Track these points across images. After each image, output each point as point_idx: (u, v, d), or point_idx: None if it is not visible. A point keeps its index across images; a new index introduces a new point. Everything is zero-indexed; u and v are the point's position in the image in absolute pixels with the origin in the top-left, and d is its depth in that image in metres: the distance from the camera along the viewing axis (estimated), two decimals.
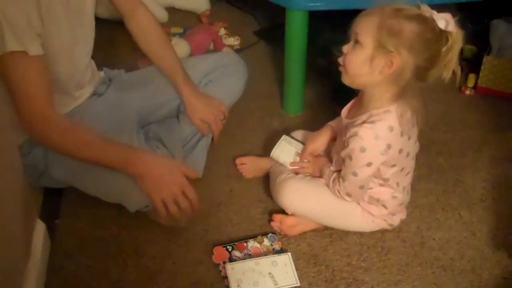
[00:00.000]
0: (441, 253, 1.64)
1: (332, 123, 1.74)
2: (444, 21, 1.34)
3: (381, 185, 1.57)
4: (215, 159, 1.94)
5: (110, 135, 1.59)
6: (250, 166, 1.90)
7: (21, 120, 1.49)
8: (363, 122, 1.47)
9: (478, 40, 2.42)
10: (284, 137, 1.79)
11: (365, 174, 1.51)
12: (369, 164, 1.48)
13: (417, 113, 1.49)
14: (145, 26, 1.84)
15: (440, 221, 1.74)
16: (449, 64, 1.38)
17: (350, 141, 1.47)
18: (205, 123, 1.85)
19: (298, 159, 1.73)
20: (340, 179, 1.56)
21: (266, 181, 1.85)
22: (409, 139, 1.52)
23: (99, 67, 1.88)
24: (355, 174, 1.51)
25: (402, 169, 1.56)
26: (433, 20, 1.35)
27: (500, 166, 1.94)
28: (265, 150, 1.85)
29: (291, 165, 1.73)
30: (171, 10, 2.81)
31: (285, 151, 1.76)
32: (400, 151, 1.50)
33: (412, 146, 1.55)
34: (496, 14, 2.44)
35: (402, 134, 1.48)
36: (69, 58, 1.62)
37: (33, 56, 1.43)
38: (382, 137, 1.45)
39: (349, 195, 1.57)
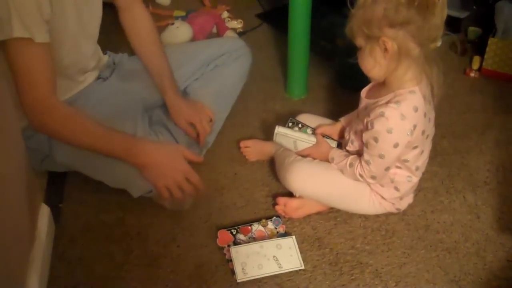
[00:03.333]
0: (446, 236, 1.64)
1: (342, 119, 1.75)
2: None
3: (397, 167, 1.57)
4: (219, 142, 1.93)
5: (114, 120, 1.58)
6: (254, 149, 1.89)
7: (22, 106, 1.48)
8: (388, 102, 1.46)
9: (483, 22, 2.41)
10: (276, 130, 1.76)
11: (391, 156, 1.50)
12: (395, 145, 1.47)
13: (433, 82, 1.48)
14: (139, 22, 1.82)
15: (445, 204, 1.74)
16: (438, 15, 1.37)
17: (375, 122, 1.47)
18: (191, 126, 1.80)
19: (298, 145, 1.73)
20: (363, 162, 1.54)
21: (270, 165, 1.85)
22: (429, 121, 1.52)
23: (103, 50, 1.87)
24: (381, 156, 1.50)
25: (422, 151, 1.56)
26: None
27: (505, 148, 1.93)
28: (269, 134, 1.84)
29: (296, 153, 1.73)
30: None
31: (284, 141, 1.75)
32: (423, 132, 1.50)
33: (431, 128, 1.56)
34: None
35: (425, 115, 1.48)
36: (75, 44, 1.61)
37: (39, 43, 1.41)
38: (408, 117, 1.45)
39: (373, 177, 1.56)
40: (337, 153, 1.64)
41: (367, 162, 1.54)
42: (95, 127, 1.53)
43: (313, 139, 1.71)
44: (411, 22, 1.36)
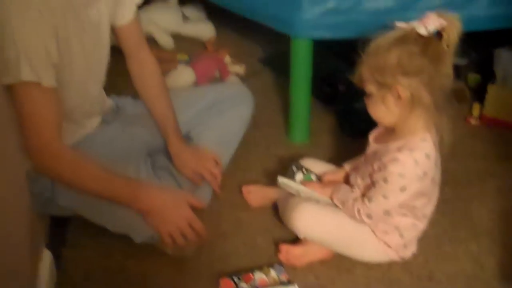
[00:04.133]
0: (450, 287, 1.63)
1: (346, 166, 1.75)
2: (422, 26, 1.37)
3: (404, 215, 1.56)
4: (221, 188, 1.93)
5: (117, 164, 1.59)
6: (256, 195, 1.89)
7: (27, 150, 1.48)
8: (401, 148, 1.47)
9: (482, 69, 2.44)
10: (279, 180, 1.73)
11: (395, 199, 1.50)
12: (402, 189, 1.47)
13: (443, 130, 1.50)
14: (145, 68, 1.84)
15: (448, 253, 1.73)
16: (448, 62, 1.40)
17: (388, 165, 1.47)
18: (198, 175, 1.81)
19: (302, 195, 1.71)
20: (365, 199, 1.54)
21: (273, 210, 1.84)
22: (437, 168, 1.53)
23: (107, 93, 1.88)
24: (385, 196, 1.50)
25: (430, 198, 1.56)
26: (413, 31, 1.38)
27: (507, 196, 1.94)
28: (272, 179, 1.84)
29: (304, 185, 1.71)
30: (177, 37, 2.83)
31: (288, 190, 1.74)
32: (433, 180, 1.51)
33: (439, 175, 1.57)
34: (500, 43, 2.46)
35: (436, 163, 1.49)
36: (82, 89, 1.62)
37: (46, 87, 1.43)
38: (420, 164, 1.46)
39: (369, 216, 1.55)
40: (342, 187, 1.64)
41: (370, 199, 1.53)
42: (99, 172, 1.53)
43: (316, 193, 1.69)
44: (424, 71, 1.38)
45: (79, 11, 1.52)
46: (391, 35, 1.43)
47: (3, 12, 1.37)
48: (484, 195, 1.95)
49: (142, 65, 1.84)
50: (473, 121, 2.30)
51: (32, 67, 1.39)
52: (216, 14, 2.80)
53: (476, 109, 2.32)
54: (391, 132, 1.55)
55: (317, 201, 1.66)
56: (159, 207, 1.56)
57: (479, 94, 2.36)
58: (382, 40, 1.44)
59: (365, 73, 1.46)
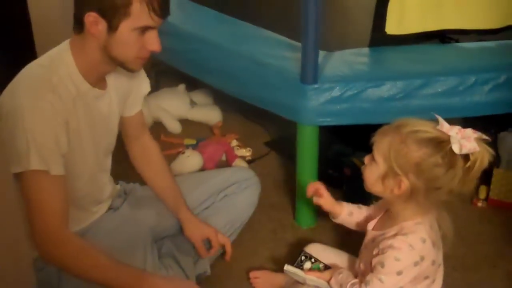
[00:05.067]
0: None
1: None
2: (458, 145, 1.33)
3: None
4: (228, 273, 1.92)
5: (123, 252, 1.58)
6: (264, 280, 1.87)
7: (34, 237, 1.48)
8: (396, 234, 1.46)
9: None
10: (286, 268, 1.70)
11: (391, 283, 1.47)
12: (399, 273, 1.45)
13: (442, 226, 1.48)
14: (148, 150, 1.89)
15: None
16: (469, 182, 1.37)
17: (385, 250, 1.46)
18: (205, 244, 1.83)
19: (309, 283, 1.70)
20: (363, 283, 1.51)
21: None
22: (439, 249, 1.51)
23: (115, 180, 1.91)
24: (381, 280, 1.47)
25: (434, 280, 1.54)
26: (448, 143, 1.35)
27: None
28: (279, 264, 1.83)
29: (306, 274, 1.69)
30: (184, 121, 2.88)
31: (295, 278, 1.73)
32: (433, 262, 1.49)
33: (441, 256, 1.54)
34: (503, 126, 2.49)
35: (434, 245, 1.47)
36: (92, 177, 1.65)
37: (54, 175, 1.44)
38: (416, 248, 1.44)
39: None
40: (344, 271, 1.62)
41: (366, 283, 1.51)
42: (105, 262, 1.52)
43: (323, 282, 1.68)
44: (437, 181, 1.38)
45: (90, 103, 1.56)
46: (427, 132, 1.39)
47: (16, 102, 1.41)
48: (494, 280, 1.92)
49: (144, 147, 1.89)
50: (480, 204, 2.30)
51: (41, 156, 1.41)
52: (223, 99, 2.85)
53: (482, 191, 2.32)
54: (387, 219, 1.54)
55: None
56: None
57: (485, 177, 2.36)
58: (416, 127, 1.40)
59: (382, 143, 1.43)
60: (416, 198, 1.42)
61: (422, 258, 1.45)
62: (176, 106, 2.89)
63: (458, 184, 1.37)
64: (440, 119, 1.40)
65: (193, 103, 2.97)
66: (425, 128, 1.40)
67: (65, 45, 1.52)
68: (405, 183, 1.40)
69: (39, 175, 1.42)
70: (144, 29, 1.45)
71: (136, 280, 1.53)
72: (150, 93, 1.87)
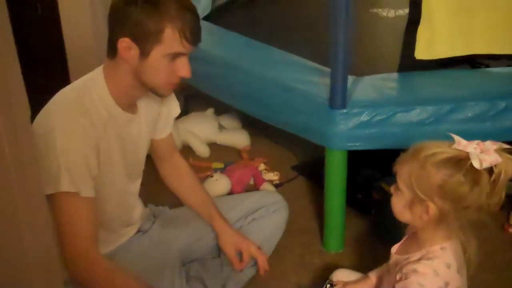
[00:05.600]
0: None
1: (371, 275, 1.72)
2: (478, 160, 1.30)
3: None
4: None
5: (152, 276, 1.59)
6: None
7: (64, 259, 1.49)
8: (420, 259, 1.45)
9: None
10: None
11: None
12: None
13: (468, 250, 1.45)
14: (179, 168, 1.92)
15: None
16: (496, 195, 1.34)
17: (409, 275, 1.43)
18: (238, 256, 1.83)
19: None
20: None
21: None
22: (462, 275, 1.48)
23: (144, 203, 1.93)
24: None
25: None
26: (468, 160, 1.32)
27: None
28: None
29: None
30: (212, 145, 2.90)
31: None
32: None
33: (465, 282, 1.51)
34: None
35: (458, 271, 1.45)
36: (122, 199, 1.67)
37: (84, 197, 1.47)
38: (441, 274, 1.41)
39: None
40: None
41: None
42: (134, 285, 1.53)
43: None
44: (464, 200, 1.35)
45: (121, 127, 1.59)
46: (444, 152, 1.37)
47: (49, 124, 1.45)
48: None
49: (174, 165, 1.92)
50: (511, 230, 2.26)
51: (72, 178, 1.43)
52: (251, 123, 2.87)
53: None
54: (412, 243, 1.53)
55: None
56: None
57: None
58: (432, 150, 1.38)
59: (403, 172, 1.42)
60: (446, 221, 1.41)
61: (446, 284, 1.43)
62: (204, 130, 2.91)
63: (486, 199, 1.34)
64: (456, 136, 1.38)
65: (221, 127, 2.99)
66: (440, 149, 1.38)
67: (98, 70, 1.56)
68: (432, 208, 1.39)
69: (69, 197, 1.45)
70: (175, 56, 1.47)
71: None
72: (179, 116, 1.90)
